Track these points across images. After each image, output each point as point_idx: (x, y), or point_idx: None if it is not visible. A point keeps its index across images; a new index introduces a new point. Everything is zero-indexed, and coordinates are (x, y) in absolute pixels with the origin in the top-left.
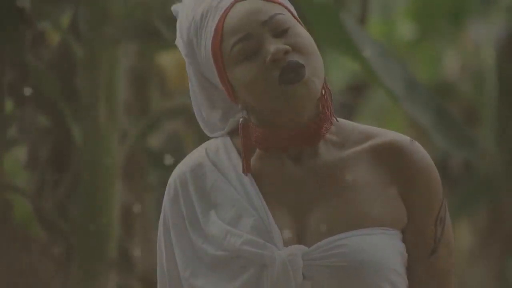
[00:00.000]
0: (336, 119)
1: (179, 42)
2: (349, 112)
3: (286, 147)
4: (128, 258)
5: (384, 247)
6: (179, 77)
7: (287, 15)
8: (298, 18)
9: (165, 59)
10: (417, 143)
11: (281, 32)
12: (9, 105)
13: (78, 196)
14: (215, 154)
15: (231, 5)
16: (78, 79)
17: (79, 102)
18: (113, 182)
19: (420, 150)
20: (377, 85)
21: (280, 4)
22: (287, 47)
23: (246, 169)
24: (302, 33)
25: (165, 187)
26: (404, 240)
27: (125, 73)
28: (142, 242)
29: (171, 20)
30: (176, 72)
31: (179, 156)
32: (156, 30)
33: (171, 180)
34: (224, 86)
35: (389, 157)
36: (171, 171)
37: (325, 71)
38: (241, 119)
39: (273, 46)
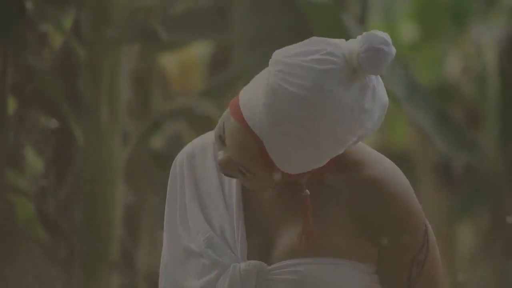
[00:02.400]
0: None
1: None
2: None
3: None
4: (130, 259)
5: (341, 279)
6: (181, 79)
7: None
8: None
9: (167, 61)
10: (399, 179)
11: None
12: (11, 106)
13: (81, 198)
14: None
15: None
16: (81, 81)
17: (82, 104)
18: (115, 183)
19: (399, 190)
20: None
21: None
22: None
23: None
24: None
25: (167, 188)
26: (377, 273)
27: (127, 75)
28: (145, 243)
29: (172, 22)
30: (178, 74)
31: None
32: (157, 32)
33: (175, 159)
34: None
35: (363, 194)
36: None
37: None
38: (305, 192)
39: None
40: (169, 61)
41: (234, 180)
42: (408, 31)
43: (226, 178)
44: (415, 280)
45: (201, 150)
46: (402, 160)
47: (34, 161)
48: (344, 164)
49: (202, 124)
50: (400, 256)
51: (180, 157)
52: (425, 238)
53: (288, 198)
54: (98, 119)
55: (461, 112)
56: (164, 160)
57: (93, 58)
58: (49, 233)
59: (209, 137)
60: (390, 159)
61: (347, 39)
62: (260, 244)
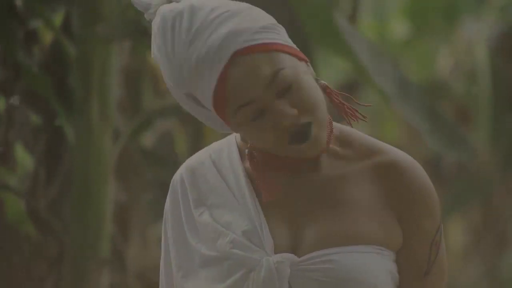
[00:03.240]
0: (340, 128)
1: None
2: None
3: (286, 169)
4: (121, 257)
5: (373, 267)
6: None
7: (283, 61)
8: (288, 47)
9: None
10: (417, 164)
11: (284, 90)
12: (1, 104)
13: (71, 195)
14: (217, 155)
15: (229, 61)
16: (71, 78)
17: (72, 101)
18: (105, 181)
19: (421, 173)
20: (369, 85)
21: (274, 50)
22: (294, 112)
23: (267, 197)
24: (304, 84)
25: (158, 185)
26: (397, 260)
27: (117, 72)
28: (136, 240)
29: None
30: None
31: (171, 154)
32: (148, 29)
33: (173, 178)
34: (224, 122)
35: (390, 178)
36: (164, 170)
37: (317, 71)
38: (246, 151)
39: (280, 111)
40: None
41: (242, 181)
42: (399, 28)
43: (233, 183)
44: (433, 262)
45: (199, 165)
46: None
47: (24, 158)
48: (368, 150)
49: (193, 121)
50: (423, 236)
51: (179, 177)
52: (440, 217)
53: (305, 184)
54: (88, 117)
55: (452, 109)
56: (155, 157)
57: (84, 55)
58: (39, 230)
59: (202, 154)
60: None
61: (338, 37)
62: (285, 237)
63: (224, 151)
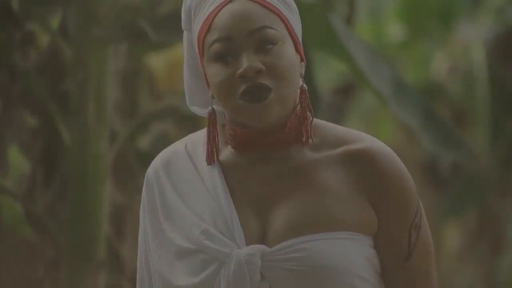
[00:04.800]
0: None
1: (183, 8)
2: (337, 113)
3: (257, 147)
4: (118, 258)
5: (346, 253)
6: (168, 78)
7: (279, 30)
8: (292, 30)
9: (154, 61)
10: (390, 150)
11: (263, 47)
12: None
13: (68, 197)
14: (193, 145)
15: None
16: (67, 81)
17: (68, 103)
18: (102, 183)
19: (392, 158)
20: (365, 87)
21: (277, 15)
22: (261, 67)
23: (209, 159)
24: (284, 54)
25: None
26: (376, 246)
27: (114, 75)
28: (132, 242)
29: (159, 22)
30: (165, 73)
31: None
32: (144, 32)
33: (148, 169)
34: (203, 73)
35: (361, 165)
36: None
37: (313, 72)
38: (209, 108)
39: (248, 62)
40: (157, 61)
41: (215, 172)
42: (396, 30)
43: (205, 174)
44: (414, 246)
45: (174, 155)
46: None
47: (20, 161)
48: (341, 139)
49: (189, 123)
50: (400, 220)
51: (153, 168)
52: (418, 201)
53: (276, 172)
54: (85, 119)
55: (449, 111)
56: (151, 159)
57: (80, 58)
58: (36, 232)
59: (178, 144)
60: None
61: (334, 38)
62: (256, 227)
63: (200, 142)
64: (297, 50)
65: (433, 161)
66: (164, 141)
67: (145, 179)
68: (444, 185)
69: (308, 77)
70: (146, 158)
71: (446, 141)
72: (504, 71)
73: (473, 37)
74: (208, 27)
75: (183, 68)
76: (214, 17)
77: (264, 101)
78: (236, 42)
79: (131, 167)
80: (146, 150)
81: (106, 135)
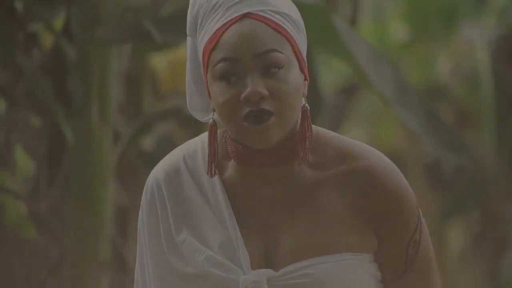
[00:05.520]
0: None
1: (189, 13)
2: (340, 114)
3: (258, 164)
4: (121, 258)
5: (349, 275)
6: (172, 79)
7: (285, 53)
8: (299, 50)
9: (157, 61)
10: (390, 165)
11: (268, 70)
12: (1, 106)
13: (71, 197)
14: (192, 158)
15: (240, 17)
16: (71, 81)
17: (72, 104)
18: (106, 184)
19: (392, 175)
20: (368, 88)
21: (285, 36)
22: (265, 93)
23: (209, 172)
24: (289, 78)
25: None
26: (376, 260)
27: (117, 75)
28: (135, 242)
29: (163, 22)
30: (168, 74)
31: None
32: (148, 33)
33: (148, 182)
34: (205, 82)
35: (361, 183)
36: None
37: (316, 74)
38: (210, 120)
39: (252, 86)
40: (160, 62)
41: (218, 188)
42: (399, 31)
43: (208, 192)
44: (412, 261)
45: (175, 172)
46: (391, 160)
47: (24, 161)
48: (341, 156)
49: (192, 124)
50: (397, 238)
51: (155, 181)
52: (419, 217)
53: (279, 193)
54: (88, 120)
55: (452, 112)
56: (154, 160)
57: (84, 59)
58: (39, 233)
59: (176, 159)
60: None
61: (337, 40)
62: (260, 250)
63: (198, 154)
64: (301, 69)
65: (436, 162)
66: (167, 142)
67: (144, 192)
68: (447, 186)
69: (311, 78)
70: (150, 159)
71: (448, 144)
72: (508, 72)
73: (476, 38)
74: (214, 44)
75: (186, 71)
76: (222, 34)
77: (264, 124)
78: (242, 64)
79: (134, 167)
80: (149, 151)
81: (110, 136)
